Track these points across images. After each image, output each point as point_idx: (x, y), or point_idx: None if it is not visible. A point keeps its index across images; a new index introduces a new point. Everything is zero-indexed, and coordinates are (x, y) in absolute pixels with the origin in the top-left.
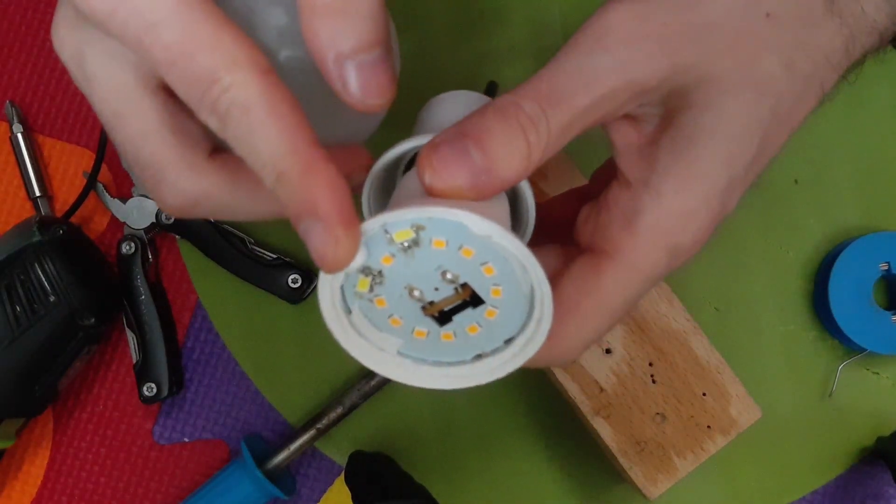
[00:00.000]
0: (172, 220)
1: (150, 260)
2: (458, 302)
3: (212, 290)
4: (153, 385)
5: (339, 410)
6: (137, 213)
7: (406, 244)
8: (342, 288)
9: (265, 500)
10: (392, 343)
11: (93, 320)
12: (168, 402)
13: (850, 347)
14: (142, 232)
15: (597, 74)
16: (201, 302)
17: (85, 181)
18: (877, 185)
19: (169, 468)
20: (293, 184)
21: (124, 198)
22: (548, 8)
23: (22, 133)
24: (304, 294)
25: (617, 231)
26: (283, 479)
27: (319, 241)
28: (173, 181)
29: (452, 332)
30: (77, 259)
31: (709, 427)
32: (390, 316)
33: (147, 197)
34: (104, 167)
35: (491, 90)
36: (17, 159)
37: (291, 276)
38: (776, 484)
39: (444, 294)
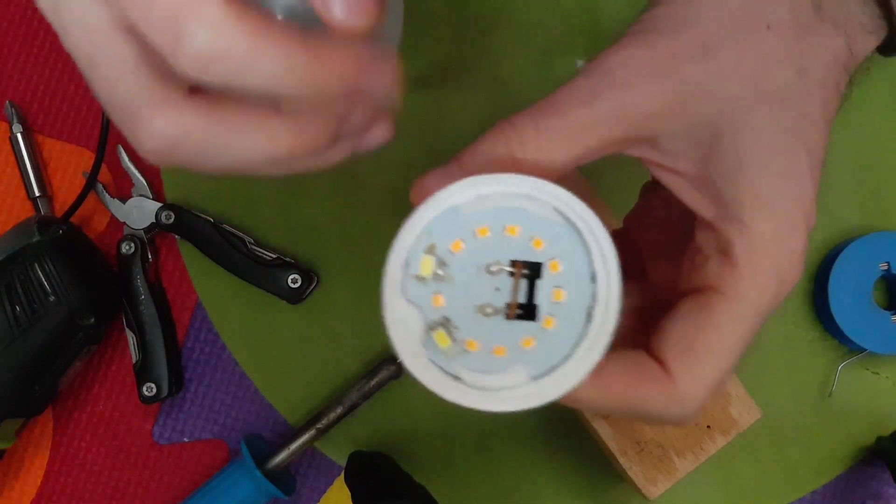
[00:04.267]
0: (172, 220)
1: (150, 260)
2: (524, 281)
3: (212, 290)
4: (153, 385)
5: (339, 410)
6: (137, 213)
7: (438, 271)
8: (435, 363)
9: (265, 499)
10: (518, 372)
11: (93, 320)
12: (168, 402)
13: (849, 347)
14: (141, 232)
15: (596, 92)
16: (201, 302)
17: (84, 181)
18: (877, 185)
19: (169, 468)
20: None
21: (124, 198)
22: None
23: (22, 133)
24: (304, 294)
25: (717, 267)
26: (283, 479)
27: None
28: (150, 120)
29: (532, 336)
30: (77, 259)
31: (709, 427)
32: (491, 349)
33: (147, 197)
34: (104, 167)
35: None
36: (16, 159)
37: (291, 276)
38: (776, 484)
39: (505, 290)
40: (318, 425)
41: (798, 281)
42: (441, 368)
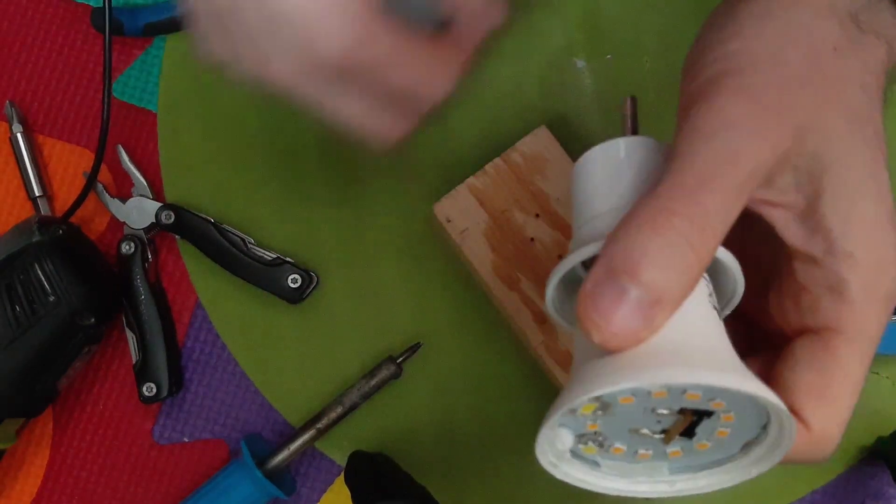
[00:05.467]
0: (172, 220)
1: (150, 260)
2: (689, 424)
3: (212, 290)
4: (153, 385)
5: (339, 410)
6: (137, 213)
7: (599, 412)
8: (575, 455)
9: (265, 500)
10: (658, 467)
11: (93, 320)
12: (168, 402)
13: None
14: (142, 232)
15: (737, 151)
16: (201, 302)
17: (84, 181)
18: None
19: (169, 468)
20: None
21: (124, 198)
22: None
23: (22, 133)
24: (304, 294)
25: (832, 308)
26: (283, 478)
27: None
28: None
29: (680, 449)
30: (77, 259)
31: None
32: (636, 454)
33: (147, 197)
34: (104, 167)
35: (633, 110)
36: (16, 159)
37: (291, 276)
38: (776, 484)
39: (667, 423)
40: (318, 425)
41: None
42: (581, 459)
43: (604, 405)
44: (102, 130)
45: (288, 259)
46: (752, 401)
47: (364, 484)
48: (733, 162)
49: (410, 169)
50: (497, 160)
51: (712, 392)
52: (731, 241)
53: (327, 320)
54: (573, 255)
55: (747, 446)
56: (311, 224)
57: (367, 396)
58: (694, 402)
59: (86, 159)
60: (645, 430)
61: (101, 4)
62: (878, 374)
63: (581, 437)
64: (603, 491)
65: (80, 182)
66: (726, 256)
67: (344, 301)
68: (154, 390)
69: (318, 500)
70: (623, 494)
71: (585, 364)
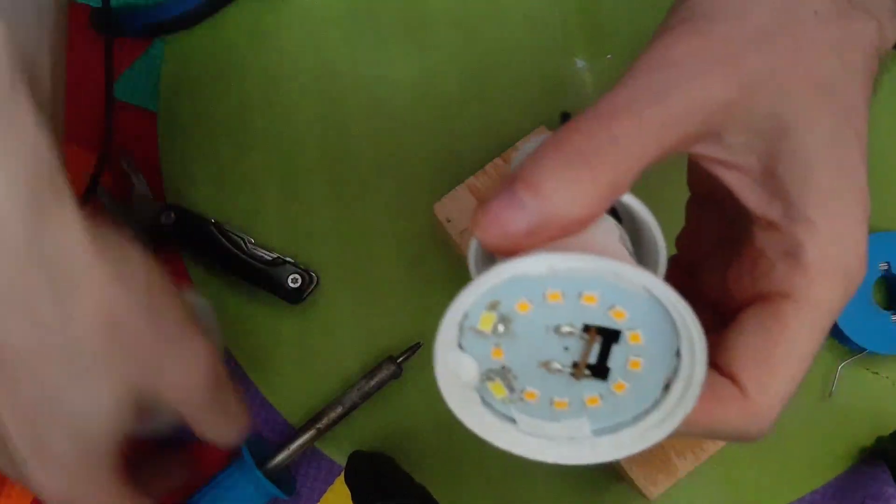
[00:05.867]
0: (173, 220)
1: None
2: (598, 344)
3: (212, 290)
4: None
5: (339, 410)
6: (137, 214)
7: (500, 327)
8: (486, 403)
9: (265, 500)
10: (580, 426)
11: None
12: None
13: (849, 347)
14: (142, 232)
15: (669, 87)
16: None
17: (85, 181)
18: (877, 185)
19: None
20: None
21: (124, 198)
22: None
23: None
24: (304, 294)
25: (785, 272)
26: (283, 479)
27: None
28: None
29: (598, 395)
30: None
31: None
32: (552, 401)
33: (147, 197)
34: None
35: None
36: None
37: (291, 276)
38: (776, 484)
39: (575, 351)
40: (318, 425)
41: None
42: (494, 411)
43: (502, 317)
44: (105, 132)
45: (288, 259)
46: (655, 310)
47: (364, 484)
48: (659, 96)
49: (410, 169)
50: (497, 160)
51: (600, 285)
52: (708, 225)
53: (327, 320)
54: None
55: (667, 389)
56: (311, 224)
57: (366, 396)
58: (594, 312)
59: (86, 160)
60: (555, 364)
61: (100, 4)
62: (877, 374)
63: (488, 373)
64: (519, 453)
65: (81, 182)
66: (637, 205)
67: (344, 301)
68: None
69: (318, 500)
70: (540, 459)
71: (480, 271)
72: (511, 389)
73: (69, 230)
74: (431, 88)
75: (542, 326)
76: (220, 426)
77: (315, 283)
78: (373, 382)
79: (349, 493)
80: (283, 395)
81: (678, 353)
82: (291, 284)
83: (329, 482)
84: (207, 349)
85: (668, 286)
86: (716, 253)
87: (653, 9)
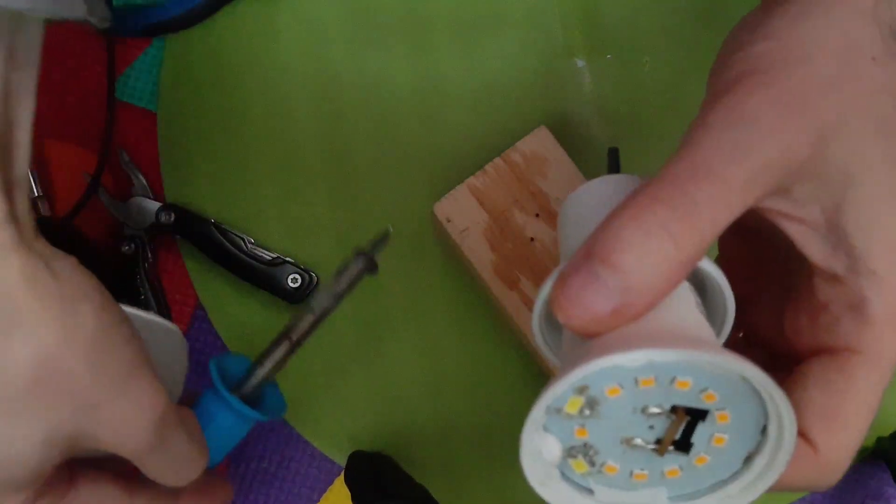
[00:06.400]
0: (172, 220)
1: (150, 260)
2: (684, 425)
3: (212, 290)
4: None
5: (311, 318)
6: (137, 214)
7: (586, 410)
8: (566, 477)
9: (249, 426)
10: (657, 494)
11: None
12: None
13: None
14: (142, 232)
15: (750, 144)
16: (201, 302)
17: (84, 181)
18: None
19: None
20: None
21: (124, 198)
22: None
23: None
24: (304, 294)
25: (851, 327)
26: (269, 400)
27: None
28: None
29: (678, 468)
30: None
31: None
32: (631, 474)
33: (147, 197)
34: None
35: (613, 159)
36: None
37: (291, 276)
38: None
39: (660, 428)
40: (292, 335)
41: None
42: (573, 483)
43: (590, 401)
44: (106, 132)
45: (288, 259)
46: (744, 390)
47: (364, 484)
48: (738, 156)
49: (410, 169)
50: (497, 160)
51: (694, 371)
52: (750, 257)
53: (327, 320)
54: (549, 282)
55: (749, 460)
56: (311, 224)
57: (339, 298)
58: (685, 395)
59: (85, 159)
60: (638, 441)
61: None
62: None
63: (570, 450)
64: None
65: (80, 182)
66: (712, 269)
67: (343, 301)
68: None
69: (318, 501)
70: None
71: (567, 361)
72: (592, 464)
73: (8, 272)
74: (431, 88)
75: (630, 408)
76: (167, 470)
77: (315, 283)
78: (343, 280)
79: (349, 493)
80: (283, 394)
81: (763, 430)
82: (291, 284)
83: (329, 482)
84: (153, 390)
85: (766, 375)
86: (768, 290)
87: (653, 9)
